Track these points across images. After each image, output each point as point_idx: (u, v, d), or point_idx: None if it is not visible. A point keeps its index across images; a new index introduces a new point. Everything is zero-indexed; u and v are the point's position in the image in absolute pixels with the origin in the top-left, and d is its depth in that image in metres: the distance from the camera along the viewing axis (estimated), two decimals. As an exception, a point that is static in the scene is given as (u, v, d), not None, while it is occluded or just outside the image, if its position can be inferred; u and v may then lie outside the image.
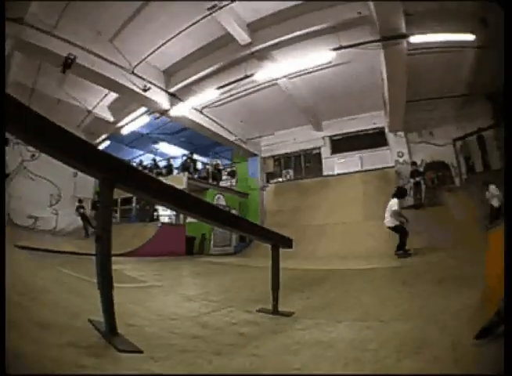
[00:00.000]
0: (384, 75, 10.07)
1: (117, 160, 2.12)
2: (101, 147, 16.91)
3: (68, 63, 9.19)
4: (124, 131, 14.97)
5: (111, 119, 14.72)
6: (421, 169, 12.82)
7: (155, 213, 13.57)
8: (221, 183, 16.39)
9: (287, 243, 4.19)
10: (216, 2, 8.36)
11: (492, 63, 7.62)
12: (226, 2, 8.40)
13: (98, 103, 13.92)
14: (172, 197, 2.54)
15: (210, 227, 12.34)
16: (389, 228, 8.24)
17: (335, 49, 9.11)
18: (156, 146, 19.04)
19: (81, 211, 13.61)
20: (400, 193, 8.61)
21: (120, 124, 14.58)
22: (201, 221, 3.15)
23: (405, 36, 8.32)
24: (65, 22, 8.80)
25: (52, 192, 14.12)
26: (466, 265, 5.27)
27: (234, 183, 17.24)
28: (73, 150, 1.82)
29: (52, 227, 13.73)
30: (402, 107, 11.69)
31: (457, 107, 12.34)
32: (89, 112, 14.32)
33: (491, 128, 10.70)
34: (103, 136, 16.30)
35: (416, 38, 8.40)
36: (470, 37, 8.36)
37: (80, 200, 13.88)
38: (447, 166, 12.71)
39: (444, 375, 1.90)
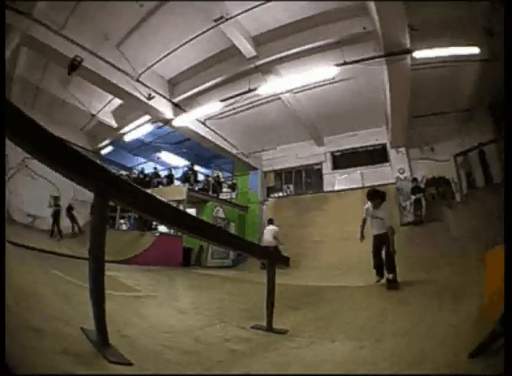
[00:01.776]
0: (387, 91, 10.09)
1: (113, 176, 2.12)
2: (103, 152, 17.20)
3: (74, 65, 9.18)
4: (127, 138, 14.99)
5: (114, 125, 14.75)
6: (422, 185, 12.76)
7: (153, 222, 13.53)
8: (222, 196, 16.36)
9: (284, 260, 4.18)
10: (223, 14, 8.46)
11: (495, 76, 7.62)
12: (234, 13, 8.50)
13: (102, 108, 13.97)
14: (168, 215, 2.54)
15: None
16: None
17: (339, 65, 9.14)
18: (158, 154, 19.00)
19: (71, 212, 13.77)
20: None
21: (123, 131, 14.63)
22: (196, 238, 3.16)
23: (409, 51, 8.32)
24: (73, 23, 8.84)
25: (52, 193, 14.07)
26: (461, 281, 5.22)
27: (234, 196, 17.19)
28: (69, 161, 1.81)
29: (50, 228, 13.67)
30: (404, 123, 11.70)
31: (459, 122, 12.31)
32: (93, 116, 14.37)
33: (492, 142, 10.61)
34: (106, 141, 16.37)
35: (420, 53, 8.39)
36: (474, 50, 8.32)
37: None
38: (448, 181, 12.65)
39: (440, 375, 1.89)
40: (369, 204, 6.73)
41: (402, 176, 13.34)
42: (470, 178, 11.74)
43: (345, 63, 9.07)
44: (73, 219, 13.89)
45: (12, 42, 8.26)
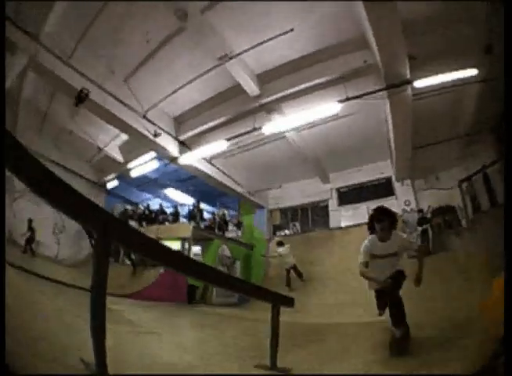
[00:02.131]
0: (390, 124, 10.10)
1: (114, 219, 2.17)
2: (109, 186, 17.19)
3: (81, 98, 9.12)
4: (133, 174, 14.94)
5: (121, 160, 14.84)
6: (428, 216, 12.61)
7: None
8: (227, 234, 16.27)
9: (288, 302, 4.14)
10: (227, 51, 8.66)
11: (496, 95, 7.52)
12: (237, 51, 8.71)
13: (109, 142, 14.09)
14: (170, 259, 2.59)
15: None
16: None
17: (342, 101, 9.15)
18: (164, 191, 19.05)
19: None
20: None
21: (129, 166, 14.64)
22: (196, 280, 3.14)
23: (409, 82, 8.35)
24: (81, 53, 8.96)
25: (56, 221, 13.95)
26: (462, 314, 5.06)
27: (240, 234, 17.09)
28: (71, 204, 1.85)
29: (54, 255, 13.58)
30: (408, 155, 11.67)
31: (463, 147, 12.21)
32: (100, 149, 14.48)
33: (495, 163, 10.42)
34: (112, 175, 16.40)
35: (420, 82, 8.42)
36: (473, 72, 8.29)
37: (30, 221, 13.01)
38: (453, 209, 12.53)
39: (441, 375, 1.87)
40: (369, 240, 4.61)
41: (407, 208, 13.25)
42: (476, 203, 11.57)
43: (348, 99, 9.10)
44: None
45: (19, 64, 8.21)
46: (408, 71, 8.17)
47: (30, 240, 12.55)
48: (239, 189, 15.46)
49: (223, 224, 16.10)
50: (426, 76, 8.35)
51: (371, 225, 4.58)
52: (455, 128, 11.42)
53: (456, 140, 11.78)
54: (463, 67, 8.26)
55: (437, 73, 8.31)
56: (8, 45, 7.43)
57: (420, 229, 12.14)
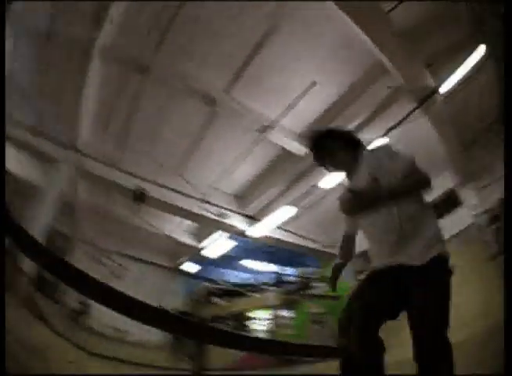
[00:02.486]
0: (436, 136, 9.87)
1: (205, 327, 2.60)
2: (186, 268, 17.71)
3: (138, 196, 9.39)
4: (207, 254, 15.35)
5: (192, 243, 15.33)
6: (497, 213, 11.68)
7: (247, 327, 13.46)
8: (313, 291, 16.10)
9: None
10: (264, 123, 9.06)
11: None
12: (273, 118, 9.09)
13: (177, 228, 14.49)
14: (253, 344, 2.99)
15: (304, 332, 12.31)
16: None
17: (384, 134, 9.04)
18: (241, 262, 19.16)
19: None
20: None
21: (202, 246, 15.12)
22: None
23: (436, 89, 8.12)
24: (125, 154, 9.46)
25: None
26: None
27: (325, 288, 16.77)
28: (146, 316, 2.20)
29: (136, 339, 13.27)
30: (462, 160, 11.45)
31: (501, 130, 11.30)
32: (169, 236, 14.91)
33: None
34: (186, 257, 16.94)
35: (444, 86, 8.12)
36: (482, 48, 7.49)
37: None
38: None
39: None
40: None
41: (475, 213, 12.46)
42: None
43: (390, 129, 9.03)
44: None
45: (64, 174, 8.44)
46: (431, 80, 8.08)
47: (81, 312, 12.74)
48: (315, 246, 15.46)
49: (307, 283, 16.04)
50: (447, 76, 8.06)
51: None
52: (488, 115, 10.48)
53: (495, 126, 11.13)
54: (473, 49, 7.70)
55: (456, 68, 7.94)
56: (46, 157, 7.91)
57: (493, 227, 11.31)
